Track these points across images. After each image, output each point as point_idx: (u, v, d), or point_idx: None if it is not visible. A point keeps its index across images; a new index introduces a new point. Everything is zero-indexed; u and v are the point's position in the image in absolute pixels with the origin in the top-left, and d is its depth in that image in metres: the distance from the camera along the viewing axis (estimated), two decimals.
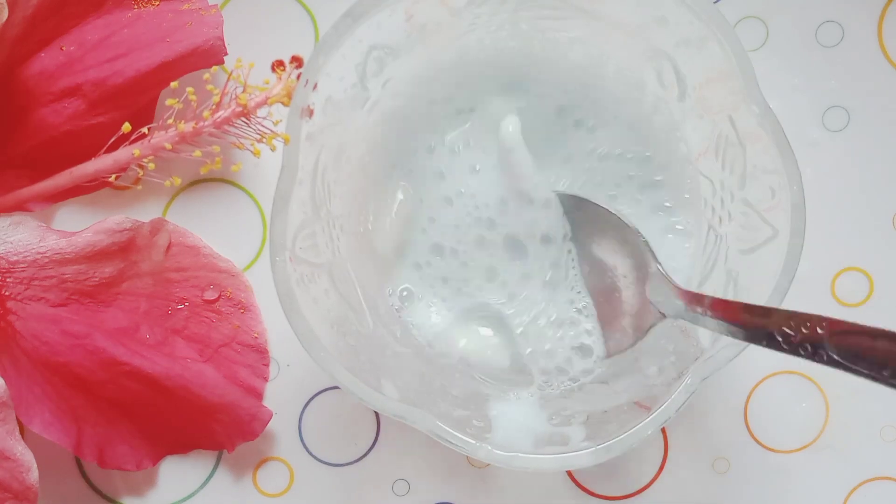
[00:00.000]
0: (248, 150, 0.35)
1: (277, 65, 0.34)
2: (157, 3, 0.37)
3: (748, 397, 0.40)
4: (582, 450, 0.30)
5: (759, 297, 0.30)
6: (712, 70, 0.32)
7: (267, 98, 0.34)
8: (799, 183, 0.30)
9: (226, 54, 0.37)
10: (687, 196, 0.36)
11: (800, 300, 0.39)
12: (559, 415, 0.33)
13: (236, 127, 0.35)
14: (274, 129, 0.34)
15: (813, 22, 0.39)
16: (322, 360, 0.31)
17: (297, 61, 0.34)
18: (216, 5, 0.37)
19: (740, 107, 0.31)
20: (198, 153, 0.35)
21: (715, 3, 0.38)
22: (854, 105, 0.39)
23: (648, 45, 0.34)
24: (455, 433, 0.31)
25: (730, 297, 0.32)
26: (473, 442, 0.31)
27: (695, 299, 0.31)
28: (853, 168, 0.39)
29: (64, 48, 0.36)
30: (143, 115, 0.37)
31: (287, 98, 0.34)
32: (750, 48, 0.39)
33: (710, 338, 0.32)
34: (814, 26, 0.39)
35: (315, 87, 0.31)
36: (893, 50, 0.39)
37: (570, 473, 0.40)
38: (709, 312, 0.30)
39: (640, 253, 0.34)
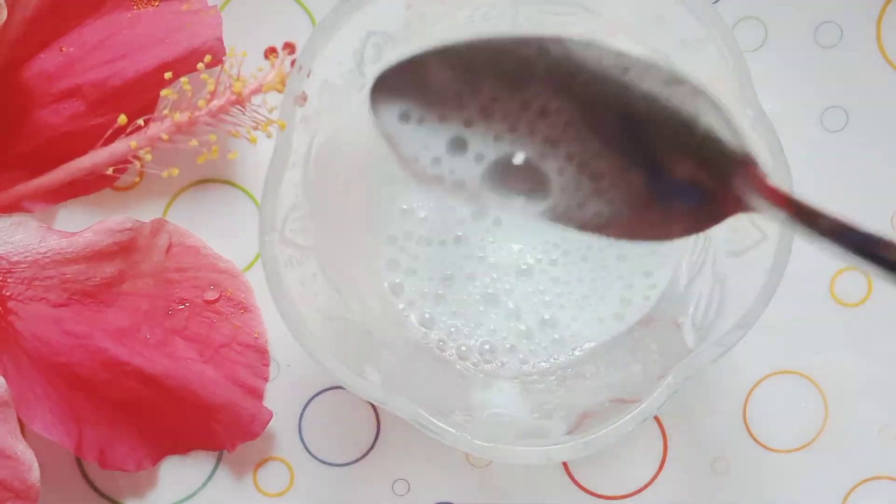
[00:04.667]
0: (245, 137, 0.35)
1: (270, 52, 0.34)
2: (157, 4, 0.37)
3: (747, 397, 0.40)
4: (562, 443, 0.30)
5: (744, 300, 0.30)
6: (708, 72, 0.32)
7: (261, 85, 0.34)
8: (790, 188, 0.30)
9: (225, 54, 0.37)
10: None
11: (798, 300, 0.39)
12: (541, 409, 0.34)
13: (232, 115, 0.35)
14: (269, 115, 0.34)
15: (812, 22, 0.39)
16: (306, 342, 0.31)
17: (289, 47, 0.34)
18: (215, 6, 0.38)
19: (735, 110, 0.31)
20: (194, 143, 0.35)
21: (714, 3, 0.38)
22: (853, 105, 0.39)
23: (646, 45, 0.34)
24: (436, 422, 0.31)
25: (715, 300, 0.32)
26: (454, 431, 0.31)
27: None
28: (852, 168, 0.39)
29: (63, 49, 0.36)
30: (143, 115, 0.37)
31: (281, 85, 0.34)
32: (749, 48, 0.39)
33: (695, 338, 0.32)
34: (812, 27, 0.39)
35: (309, 74, 0.31)
36: (892, 50, 0.39)
37: (569, 473, 0.40)
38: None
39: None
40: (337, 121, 0.35)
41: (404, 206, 0.37)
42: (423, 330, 0.37)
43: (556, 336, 0.36)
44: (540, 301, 0.37)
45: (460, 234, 0.37)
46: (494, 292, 0.37)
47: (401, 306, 0.37)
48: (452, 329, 0.37)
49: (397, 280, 0.37)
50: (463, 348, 0.36)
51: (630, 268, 0.37)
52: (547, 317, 0.36)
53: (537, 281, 0.37)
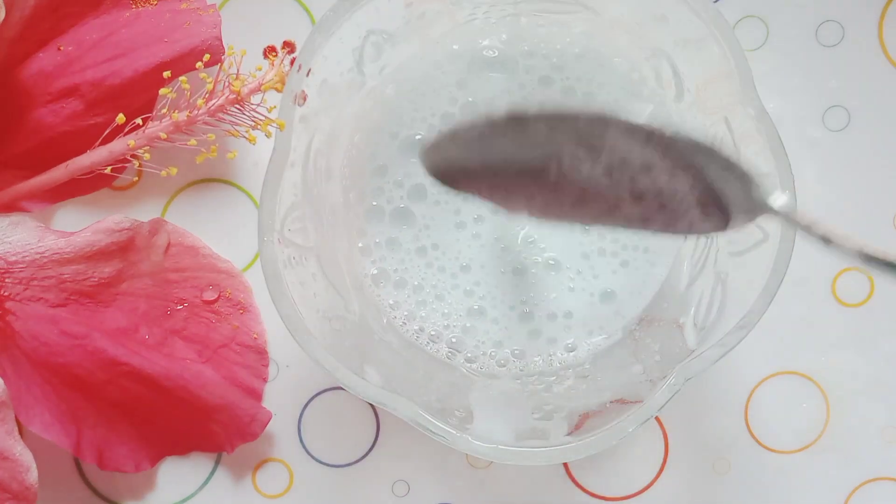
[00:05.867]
0: (244, 136, 0.35)
1: (269, 51, 0.34)
2: (155, 2, 0.37)
3: (749, 398, 0.40)
4: (562, 444, 0.30)
5: (745, 299, 0.30)
6: (710, 71, 0.32)
7: (260, 84, 0.34)
8: (791, 187, 0.30)
9: (223, 53, 0.37)
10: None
11: (800, 300, 0.39)
12: (541, 409, 0.33)
13: (230, 114, 0.35)
14: (268, 115, 0.34)
15: (813, 21, 0.39)
16: (306, 343, 0.31)
17: (288, 46, 0.34)
18: (214, 5, 0.37)
19: (736, 109, 0.31)
20: (193, 142, 0.35)
21: (715, 2, 0.38)
22: (855, 105, 0.39)
23: (648, 44, 0.34)
24: (436, 422, 0.30)
25: (716, 300, 0.32)
26: (454, 432, 0.31)
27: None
28: (854, 168, 0.39)
29: (62, 48, 0.36)
30: (141, 114, 0.37)
31: (280, 84, 0.34)
32: (750, 48, 0.39)
33: (697, 338, 0.32)
34: (814, 25, 0.39)
35: (309, 73, 0.31)
36: (894, 49, 0.39)
37: (570, 474, 0.40)
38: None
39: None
40: (337, 120, 0.35)
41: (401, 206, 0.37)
42: (413, 329, 0.37)
43: (551, 337, 0.36)
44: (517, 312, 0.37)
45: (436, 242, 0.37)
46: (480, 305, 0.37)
47: (396, 314, 0.37)
48: (444, 325, 0.37)
49: (382, 280, 0.37)
50: (457, 344, 0.36)
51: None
52: (531, 328, 0.37)
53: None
